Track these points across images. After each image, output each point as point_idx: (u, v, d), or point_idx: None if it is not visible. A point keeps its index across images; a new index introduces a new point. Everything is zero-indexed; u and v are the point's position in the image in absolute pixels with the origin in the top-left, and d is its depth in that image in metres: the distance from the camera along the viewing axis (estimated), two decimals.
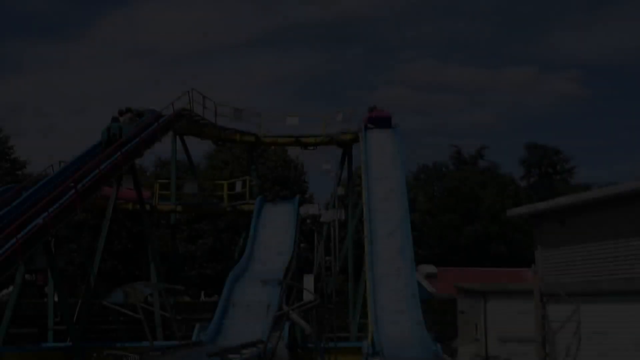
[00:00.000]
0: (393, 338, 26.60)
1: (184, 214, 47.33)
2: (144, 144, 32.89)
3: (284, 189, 61.35)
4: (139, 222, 40.87)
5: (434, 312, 44.81)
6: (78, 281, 38.55)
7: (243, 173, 47.53)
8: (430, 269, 57.97)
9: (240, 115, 39.77)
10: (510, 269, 61.12)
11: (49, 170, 31.98)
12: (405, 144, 36.39)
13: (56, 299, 31.70)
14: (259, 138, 40.21)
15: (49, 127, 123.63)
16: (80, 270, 47.38)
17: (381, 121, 37.81)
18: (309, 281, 29.83)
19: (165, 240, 56.17)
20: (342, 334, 33.30)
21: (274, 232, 33.76)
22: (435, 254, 72.09)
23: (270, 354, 23.42)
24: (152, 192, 39.01)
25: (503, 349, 29.21)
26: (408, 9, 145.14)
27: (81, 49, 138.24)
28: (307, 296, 27.09)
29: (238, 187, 39.69)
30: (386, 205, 33.11)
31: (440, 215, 75.07)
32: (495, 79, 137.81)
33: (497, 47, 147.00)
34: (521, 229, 73.59)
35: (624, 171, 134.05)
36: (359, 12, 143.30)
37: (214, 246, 58.33)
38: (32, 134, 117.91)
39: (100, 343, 28.89)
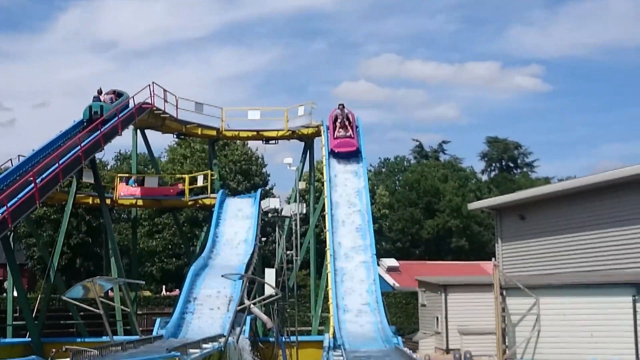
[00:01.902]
0: (354, 332, 26.66)
1: (145, 208, 47.07)
2: (121, 124, 33.19)
3: (246, 182, 61.20)
4: (99, 216, 40.57)
5: (395, 306, 45.10)
6: (37, 276, 38.19)
7: (205, 167, 47.36)
8: (392, 262, 58.29)
9: (202, 109, 39.57)
10: (471, 262, 61.64)
11: (8, 164, 31.66)
12: (366, 138, 36.39)
13: (15, 294, 31.41)
14: (220, 132, 40.04)
15: (10, 121, 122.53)
16: (40, 265, 47.07)
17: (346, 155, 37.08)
18: (270, 275, 29.79)
19: (125, 234, 55.96)
20: (304, 328, 33.33)
21: (236, 226, 33.67)
22: (396, 247, 72.48)
23: (231, 348, 23.38)
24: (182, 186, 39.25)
25: (463, 342, 29.40)
26: (371, 3, 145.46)
27: (42, 42, 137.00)
28: (269, 290, 27.06)
29: (199, 181, 39.52)
30: (347, 200, 33.15)
31: (402, 209, 75.37)
32: (458, 74, 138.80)
33: (460, 43, 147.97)
34: (482, 223, 74.22)
35: (584, 165, 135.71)
36: (323, 6, 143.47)
37: (175, 241, 58.09)
38: None
39: (60, 338, 28.63)
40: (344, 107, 35.43)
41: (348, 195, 33.42)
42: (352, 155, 34.27)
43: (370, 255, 30.58)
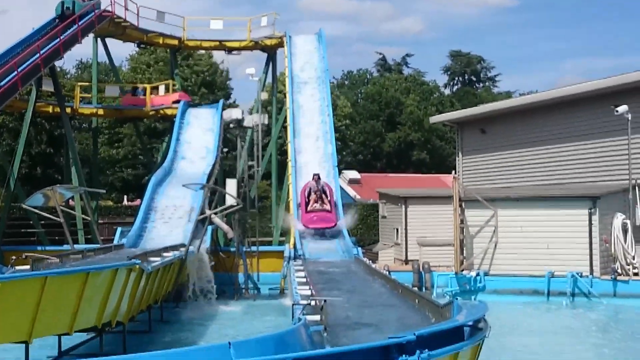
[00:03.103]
0: (315, 242, 26.94)
1: (105, 117, 46.69)
2: (81, 32, 32.73)
3: (209, 94, 60.78)
4: (59, 125, 40.18)
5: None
6: None
7: (166, 77, 46.91)
8: (353, 174, 58.54)
9: (163, 18, 39.02)
10: (432, 175, 62.13)
11: None
12: (328, 50, 36.24)
13: None
14: (182, 42, 39.59)
15: None
16: None
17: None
18: (231, 186, 29.84)
19: (86, 144, 55.56)
20: (265, 239, 33.55)
21: (197, 137, 33.56)
22: (358, 160, 72.72)
23: (191, 257, 23.54)
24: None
25: (422, 253, 29.78)
26: None
27: None
28: (230, 201, 27.16)
29: (161, 91, 39.16)
30: (309, 111, 33.15)
31: (364, 121, 75.40)
32: None
33: None
34: (443, 136, 74.58)
35: (547, 81, 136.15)
36: None
37: (135, 151, 57.84)
38: None
39: (21, 247, 28.62)
40: (319, 178, 28.41)
41: (310, 107, 33.38)
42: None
43: (331, 167, 30.72)
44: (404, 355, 7.53)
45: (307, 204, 28.04)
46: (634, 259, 25.33)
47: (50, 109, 37.00)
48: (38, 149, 45.76)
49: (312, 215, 27.63)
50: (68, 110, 36.03)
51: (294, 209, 28.86)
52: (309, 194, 28.19)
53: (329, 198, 28.18)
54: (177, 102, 36.25)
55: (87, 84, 42.32)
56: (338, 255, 25.19)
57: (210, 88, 62.16)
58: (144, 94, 38.41)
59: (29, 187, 40.08)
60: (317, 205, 27.92)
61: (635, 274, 25.10)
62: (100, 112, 39.13)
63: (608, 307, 23.76)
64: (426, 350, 7.71)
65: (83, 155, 49.25)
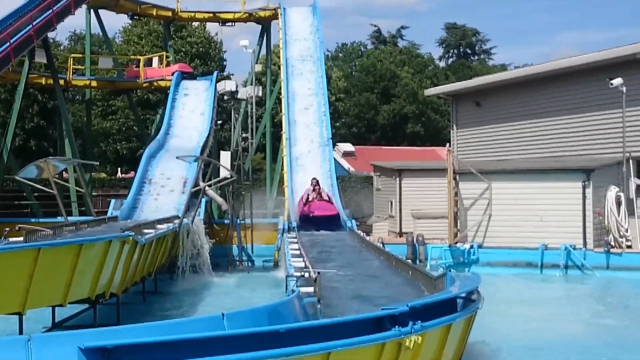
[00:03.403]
0: None
1: (99, 89, 46.54)
2: (74, 3, 32.47)
3: (203, 67, 60.50)
4: (52, 97, 40.05)
5: (350, 189, 45.44)
6: None
7: (160, 49, 46.69)
8: (348, 147, 58.53)
9: None
10: (426, 147, 62.12)
11: None
12: (323, 22, 36.08)
13: None
14: (175, 13, 39.41)
15: None
16: None
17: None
18: (225, 158, 29.77)
19: (79, 115, 55.40)
20: (259, 211, 33.54)
21: (191, 109, 33.49)
22: (352, 132, 72.63)
23: (185, 229, 23.53)
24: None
25: (416, 225, 29.82)
26: None
27: None
28: (224, 173, 27.12)
29: (154, 63, 38.99)
30: (304, 84, 33.06)
31: (358, 94, 75.22)
32: None
33: None
34: (438, 109, 74.49)
35: (541, 53, 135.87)
36: None
37: (129, 123, 57.67)
38: None
39: (14, 218, 28.57)
40: (317, 183, 26.97)
41: (304, 80, 33.29)
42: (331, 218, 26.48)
43: (325, 140, 30.70)
44: (397, 327, 7.55)
45: (305, 204, 26.30)
46: (627, 232, 25.39)
47: (43, 81, 36.86)
48: (32, 122, 45.66)
49: (315, 204, 26.01)
50: (61, 82, 35.91)
51: (287, 181, 28.85)
52: (307, 197, 26.44)
53: (329, 199, 26.72)
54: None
55: (80, 55, 42.12)
56: (332, 228, 25.23)
57: (204, 60, 61.85)
58: (149, 66, 38.24)
59: (22, 159, 40.01)
60: (316, 198, 26.33)
61: (629, 247, 25.18)
62: (94, 83, 39.00)
63: (601, 279, 23.84)
64: (419, 321, 7.72)
65: (76, 127, 49.13)
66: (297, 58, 34.24)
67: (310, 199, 26.31)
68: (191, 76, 37.44)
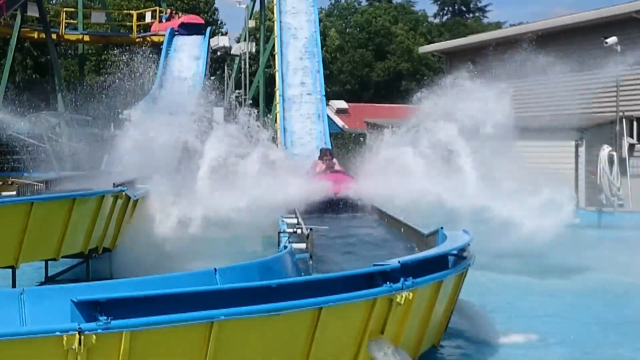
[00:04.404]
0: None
1: (92, 44, 46.27)
2: None
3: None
4: (44, 52, 39.84)
5: (343, 146, 45.48)
6: None
7: (153, 3, 46.36)
8: (341, 104, 58.29)
9: None
10: None
11: None
12: None
13: None
14: None
15: None
16: None
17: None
18: (218, 114, 29.71)
19: (72, 70, 55.10)
20: None
21: (184, 64, 33.34)
22: (346, 89, 72.37)
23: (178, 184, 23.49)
24: None
25: None
26: None
27: None
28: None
29: (148, 18, 38.73)
30: (298, 40, 32.89)
31: (352, 51, 74.86)
32: None
33: None
34: (432, 67, 74.18)
35: (537, 12, 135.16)
36: None
37: (122, 78, 57.33)
38: None
39: (7, 172, 28.55)
40: (330, 153, 22.86)
41: (298, 35, 33.12)
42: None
43: (319, 96, 30.63)
44: (388, 283, 7.61)
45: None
46: (619, 191, 25.45)
47: (35, 35, 36.63)
48: (24, 75, 45.44)
49: (328, 178, 19.82)
50: (54, 36, 35.68)
51: (280, 138, 28.83)
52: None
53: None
54: (184, 25, 35.51)
55: (72, 9, 41.83)
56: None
57: (196, 14, 61.38)
58: (168, 19, 37.68)
59: (15, 114, 39.82)
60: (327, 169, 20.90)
61: (621, 206, 25.27)
62: (86, 38, 38.75)
63: (592, 237, 23.94)
64: (410, 277, 7.78)
65: (69, 81, 48.92)
66: (290, 12, 34.02)
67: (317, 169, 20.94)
68: (198, 29, 36.39)
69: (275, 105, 31.16)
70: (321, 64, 32.03)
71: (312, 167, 21.39)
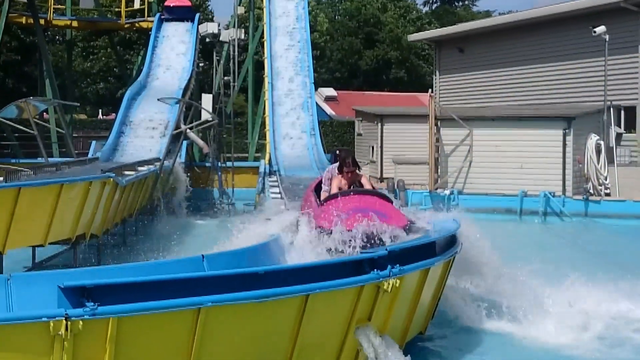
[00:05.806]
0: (290, 158, 26.99)
1: (80, 29, 46.06)
2: None
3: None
4: (32, 36, 39.63)
5: (332, 134, 45.53)
6: None
7: None
8: (330, 92, 58.34)
9: None
10: (409, 93, 62.03)
11: None
12: None
13: None
14: None
15: None
16: None
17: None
18: (207, 101, 29.68)
19: (60, 55, 54.88)
20: (241, 154, 33.52)
21: (173, 51, 33.17)
22: (335, 77, 72.33)
23: (166, 171, 23.52)
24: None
25: (397, 171, 29.90)
26: None
27: None
28: (205, 116, 27.04)
29: (136, 4, 38.51)
30: (287, 27, 32.81)
31: (342, 38, 74.77)
32: None
33: None
34: (421, 55, 74.17)
35: (526, 0, 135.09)
36: None
37: (110, 64, 57.21)
38: None
39: None
40: (353, 159, 12.83)
41: (288, 23, 33.04)
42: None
43: (308, 84, 30.59)
44: (375, 270, 7.63)
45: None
46: (606, 180, 25.56)
47: (23, 20, 36.39)
48: (12, 61, 45.18)
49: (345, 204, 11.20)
50: (42, 21, 35.47)
51: (269, 124, 28.80)
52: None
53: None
54: (170, 9, 35.09)
55: None
56: (313, 172, 25.22)
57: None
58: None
59: (1, 99, 39.71)
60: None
61: (607, 194, 25.38)
62: (75, 24, 38.53)
63: (579, 226, 24.06)
64: (397, 265, 7.80)
65: (57, 67, 48.74)
66: (280, 1, 33.91)
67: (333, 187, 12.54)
68: (185, 12, 35.86)
69: (264, 93, 31.07)
70: (310, 52, 31.97)
71: (325, 183, 12.97)
